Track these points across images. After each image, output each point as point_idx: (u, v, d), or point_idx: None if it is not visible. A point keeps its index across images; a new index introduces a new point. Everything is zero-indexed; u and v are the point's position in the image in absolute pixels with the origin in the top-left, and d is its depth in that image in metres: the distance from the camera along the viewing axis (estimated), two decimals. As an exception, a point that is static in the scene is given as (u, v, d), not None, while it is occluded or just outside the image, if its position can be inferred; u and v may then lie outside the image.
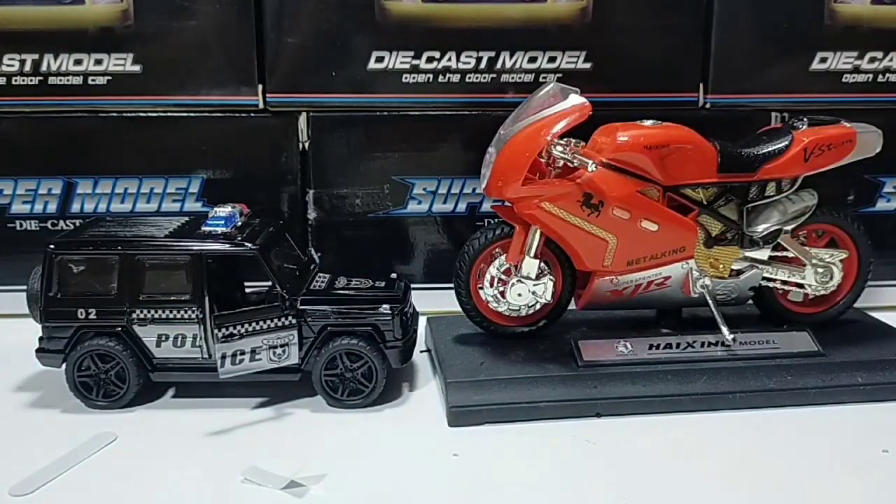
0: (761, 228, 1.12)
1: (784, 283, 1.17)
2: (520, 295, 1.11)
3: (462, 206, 1.37)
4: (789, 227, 1.13)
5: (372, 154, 1.34)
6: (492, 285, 1.12)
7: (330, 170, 1.35)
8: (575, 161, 1.06)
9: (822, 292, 1.17)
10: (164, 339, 1.06)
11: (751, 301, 1.19)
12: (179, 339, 1.06)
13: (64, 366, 1.06)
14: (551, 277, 1.12)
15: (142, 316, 1.05)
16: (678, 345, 1.11)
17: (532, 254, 1.10)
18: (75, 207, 1.35)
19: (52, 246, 1.05)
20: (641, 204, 1.09)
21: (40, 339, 1.07)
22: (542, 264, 1.11)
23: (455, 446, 0.98)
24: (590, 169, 1.05)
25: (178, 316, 1.05)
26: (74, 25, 1.29)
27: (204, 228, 1.09)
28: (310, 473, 0.91)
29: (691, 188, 1.12)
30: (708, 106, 1.34)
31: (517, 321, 1.15)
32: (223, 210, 1.12)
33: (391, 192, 1.36)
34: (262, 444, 0.98)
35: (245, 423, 1.03)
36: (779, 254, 1.15)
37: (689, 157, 1.08)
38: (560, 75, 1.31)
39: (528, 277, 1.10)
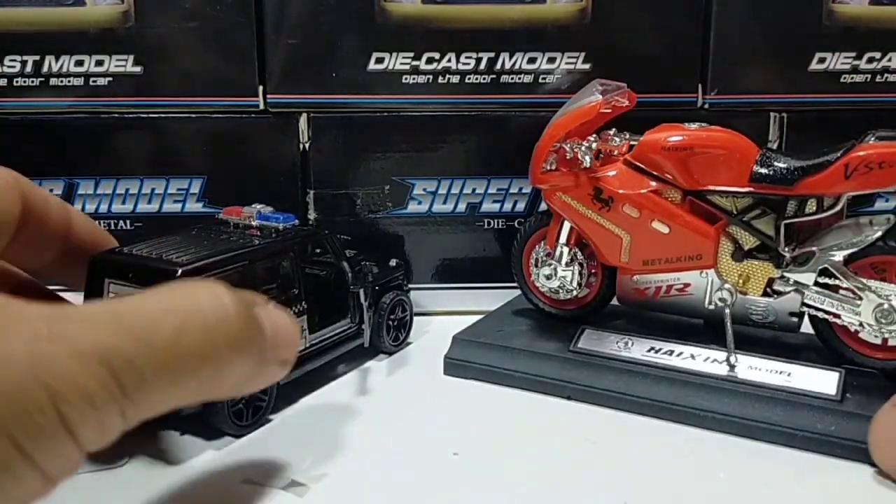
0: (790, 248, 1.04)
1: (831, 314, 1.03)
2: (548, 277, 1.14)
3: (462, 207, 1.37)
4: (837, 255, 1.01)
5: (372, 154, 1.35)
6: (536, 266, 1.18)
7: (330, 170, 1.35)
8: (578, 155, 1.08)
9: (883, 336, 1.00)
10: None
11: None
12: None
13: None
14: (580, 267, 1.15)
15: None
16: (680, 353, 1.09)
17: (563, 241, 1.15)
18: (76, 208, 1.35)
19: (180, 274, 0.94)
20: (652, 204, 1.09)
21: None
22: (577, 253, 1.15)
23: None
24: (585, 164, 1.08)
25: (291, 312, 1.05)
26: (75, 27, 1.29)
27: (270, 224, 1.11)
28: (310, 473, 0.91)
29: (720, 196, 1.07)
30: (707, 106, 1.34)
31: (555, 304, 1.21)
32: (264, 208, 1.15)
33: (391, 192, 1.36)
34: (263, 443, 0.99)
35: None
36: (831, 281, 1.03)
37: (717, 163, 1.05)
38: (559, 76, 1.32)
39: (557, 262, 1.14)
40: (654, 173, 1.09)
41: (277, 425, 1.04)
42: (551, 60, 1.32)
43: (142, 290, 0.91)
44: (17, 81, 1.31)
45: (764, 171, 1.03)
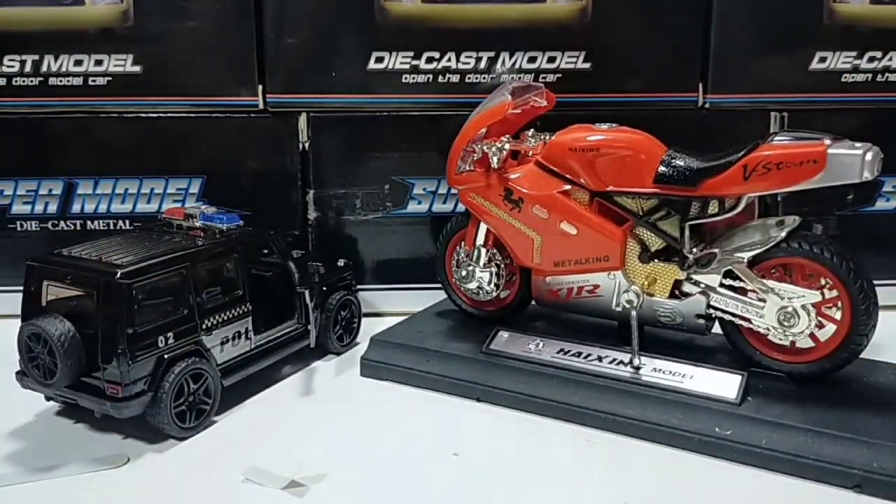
0: (696, 250, 1.02)
1: (737, 317, 1.01)
2: (465, 277, 1.15)
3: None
4: (743, 256, 1.00)
5: (372, 154, 1.35)
6: (457, 266, 1.19)
7: (330, 170, 1.35)
8: (489, 155, 1.09)
9: (789, 339, 0.98)
10: (225, 341, 1.05)
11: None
12: (236, 337, 1.07)
13: (149, 403, 0.97)
14: (497, 268, 1.15)
15: (208, 325, 1.03)
16: (588, 355, 1.07)
17: (479, 242, 1.16)
18: (76, 208, 1.35)
19: (119, 276, 0.93)
20: (561, 205, 1.09)
21: (114, 385, 0.95)
22: (495, 254, 1.16)
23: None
24: (493, 164, 1.10)
25: (235, 314, 1.06)
26: (75, 26, 1.29)
27: (213, 224, 1.10)
28: (310, 473, 0.91)
29: (627, 196, 1.06)
30: (707, 106, 1.34)
31: (476, 304, 1.21)
32: (207, 208, 1.14)
33: (391, 192, 1.36)
34: (262, 444, 0.99)
35: (245, 423, 1.04)
36: (737, 283, 1.01)
37: (622, 164, 1.04)
38: (559, 75, 1.32)
39: (475, 263, 1.15)
40: (565, 174, 1.08)
41: (275, 426, 1.03)
42: (551, 60, 1.32)
43: (81, 292, 0.93)
44: (16, 81, 1.30)
45: (668, 171, 1.01)
